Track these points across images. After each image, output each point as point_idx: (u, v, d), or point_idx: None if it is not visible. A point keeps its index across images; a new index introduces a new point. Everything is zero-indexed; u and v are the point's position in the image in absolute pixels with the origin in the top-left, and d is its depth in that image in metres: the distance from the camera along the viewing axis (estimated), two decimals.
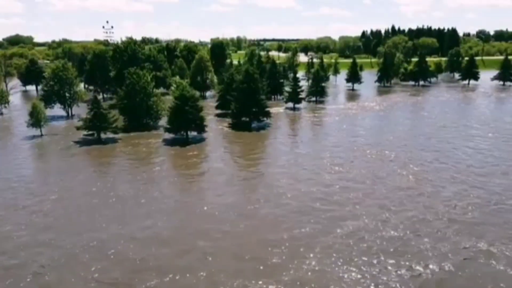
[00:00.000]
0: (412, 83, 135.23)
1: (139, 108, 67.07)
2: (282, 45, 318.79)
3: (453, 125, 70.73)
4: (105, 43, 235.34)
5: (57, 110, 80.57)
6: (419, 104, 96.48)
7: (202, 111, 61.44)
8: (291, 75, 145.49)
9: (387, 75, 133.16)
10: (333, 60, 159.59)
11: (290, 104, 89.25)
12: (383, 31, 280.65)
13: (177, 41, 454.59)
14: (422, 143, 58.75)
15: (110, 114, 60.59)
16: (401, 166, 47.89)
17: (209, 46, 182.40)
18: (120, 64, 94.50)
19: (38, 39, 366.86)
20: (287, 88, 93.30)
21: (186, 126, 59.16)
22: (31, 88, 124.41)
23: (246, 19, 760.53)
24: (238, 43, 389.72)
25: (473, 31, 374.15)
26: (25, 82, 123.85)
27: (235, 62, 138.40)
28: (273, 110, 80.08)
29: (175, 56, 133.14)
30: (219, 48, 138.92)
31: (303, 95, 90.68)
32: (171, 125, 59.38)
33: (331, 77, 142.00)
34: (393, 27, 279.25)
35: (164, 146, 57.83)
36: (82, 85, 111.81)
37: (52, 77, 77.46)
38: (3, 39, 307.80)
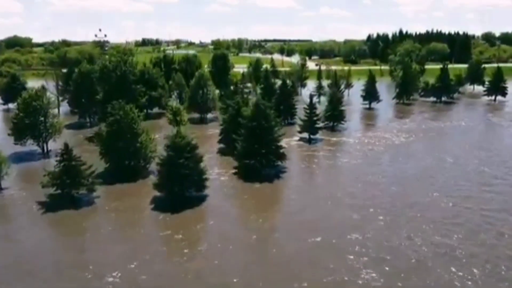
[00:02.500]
0: (432, 99, 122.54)
1: (124, 152, 54.59)
2: (284, 47, 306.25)
3: (496, 180, 55.51)
4: (102, 46, 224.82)
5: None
6: (445, 135, 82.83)
7: (201, 161, 48.80)
8: (300, 88, 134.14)
9: (406, 91, 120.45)
10: (345, 68, 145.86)
11: (304, 133, 76.49)
12: (390, 35, 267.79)
13: (177, 41, 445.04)
14: (482, 227, 41.72)
15: (84, 166, 47.59)
16: None
17: (211, 47, 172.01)
18: (107, 86, 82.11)
19: (37, 39, 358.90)
20: (301, 116, 78.76)
21: (180, 183, 46.44)
22: (14, 106, 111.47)
23: (246, 19, 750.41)
24: (239, 45, 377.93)
25: (473, 31, 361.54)
26: (6, 100, 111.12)
27: (239, 70, 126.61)
28: (285, 141, 67.81)
29: (173, 69, 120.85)
30: (221, 60, 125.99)
31: (319, 122, 77.83)
32: (162, 182, 46.72)
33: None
34: (400, 31, 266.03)
35: (151, 212, 44.94)
36: (66, 104, 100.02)
37: (23, 107, 64.94)
38: (1, 41, 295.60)
